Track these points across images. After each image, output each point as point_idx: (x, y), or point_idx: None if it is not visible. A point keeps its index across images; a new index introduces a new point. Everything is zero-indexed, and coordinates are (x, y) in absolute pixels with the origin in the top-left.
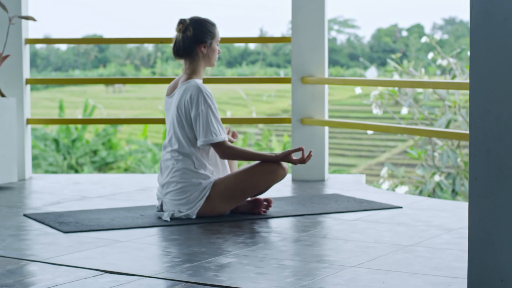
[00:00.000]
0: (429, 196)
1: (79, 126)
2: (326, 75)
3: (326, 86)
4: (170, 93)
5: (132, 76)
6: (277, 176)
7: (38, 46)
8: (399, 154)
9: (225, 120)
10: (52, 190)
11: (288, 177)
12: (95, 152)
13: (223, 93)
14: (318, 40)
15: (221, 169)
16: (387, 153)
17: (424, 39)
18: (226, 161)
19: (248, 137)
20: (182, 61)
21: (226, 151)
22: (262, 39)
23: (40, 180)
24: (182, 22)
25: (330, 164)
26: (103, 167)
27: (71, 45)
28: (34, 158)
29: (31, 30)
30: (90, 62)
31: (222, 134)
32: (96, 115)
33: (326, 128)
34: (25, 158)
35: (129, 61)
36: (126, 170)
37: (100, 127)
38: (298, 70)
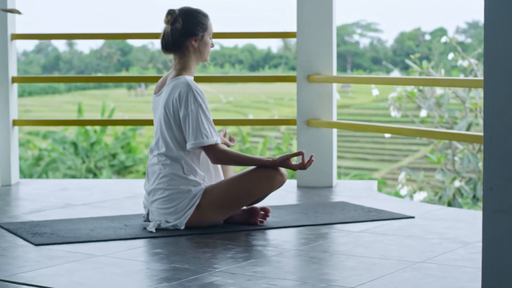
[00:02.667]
0: (449, 202)
1: (98, 129)
2: (335, 73)
3: (334, 85)
4: (158, 91)
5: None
6: (275, 183)
7: (61, 49)
8: (421, 158)
9: (223, 122)
10: (36, 197)
11: (293, 183)
12: (114, 156)
13: (245, 97)
14: (326, 35)
15: (213, 175)
16: (410, 157)
17: (444, 39)
18: (219, 166)
19: (268, 140)
20: (171, 56)
21: (218, 155)
22: (264, 34)
23: (26, 185)
24: (170, 13)
25: (352, 168)
26: (122, 170)
27: (94, 49)
28: (53, 161)
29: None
30: (113, 66)
31: (214, 136)
32: (115, 118)
33: (335, 130)
34: (11, 162)
35: (151, 65)
36: (144, 174)
37: (120, 131)
38: (304, 67)
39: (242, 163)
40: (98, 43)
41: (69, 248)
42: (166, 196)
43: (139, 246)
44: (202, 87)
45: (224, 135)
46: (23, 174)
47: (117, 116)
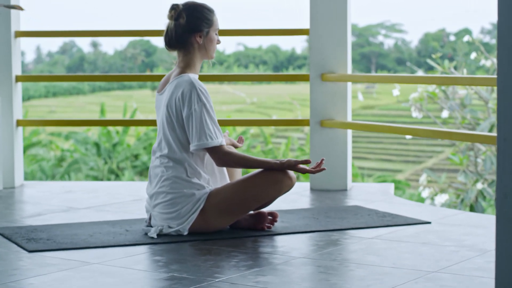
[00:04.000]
0: (471, 205)
1: (120, 130)
2: (349, 72)
3: (349, 84)
4: (161, 89)
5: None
6: (283, 186)
7: (86, 50)
8: (445, 159)
9: (238, 122)
10: (38, 200)
11: (306, 186)
12: (136, 157)
13: (269, 98)
14: (340, 32)
15: (218, 178)
16: (434, 159)
17: (466, 38)
18: (224, 168)
19: (291, 141)
20: (175, 54)
21: (223, 158)
22: (276, 31)
23: (31, 188)
24: (174, 8)
25: (376, 169)
26: (145, 171)
27: (119, 50)
28: (75, 162)
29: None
30: (137, 67)
31: (219, 137)
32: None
33: (349, 131)
34: (14, 164)
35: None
36: None
37: (142, 131)
38: (317, 66)
39: (248, 165)
40: (122, 44)
41: (64, 255)
42: (169, 200)
43: (138, 253)
44: (224, 88)
45: (240, 140)
46: (46, 175)
47: (138, 117)
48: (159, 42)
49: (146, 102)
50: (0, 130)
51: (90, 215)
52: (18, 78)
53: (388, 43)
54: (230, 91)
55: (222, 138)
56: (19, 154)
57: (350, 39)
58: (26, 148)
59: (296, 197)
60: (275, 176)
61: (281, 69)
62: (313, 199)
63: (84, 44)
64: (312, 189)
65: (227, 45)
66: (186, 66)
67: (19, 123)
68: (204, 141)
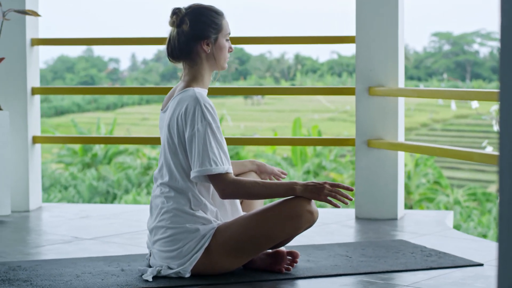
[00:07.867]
0: None
1: None
2: (402, 85)
3: (401, 99)
4: (164, 106)
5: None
6: (302, 222)
7: None
8: None
9: (272, 141)
10: (46, 227)
11: (351, 213)
12: None
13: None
14: (391, 40)
15: (229, 210)
16: None
17: None
18: (237, 200)
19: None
20: (181, 65)
21: (228, 187)
22: (317, 39)
23: (46, 211)
24: (175, 12)
25: (468, 180)
26: None
27: None
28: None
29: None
30: (231, 75)
31: (225, 164)
32: (224, 127)
33: (401, 153)
34: (29, 185)
35: (269, 74)
36: None
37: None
38: (364, 78)
39: (261, 195)
40: None
41: None
42: (169, 236)
43: None
44: (317, 96)
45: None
46: (132, 183)
47: (224, 125)
48: (252, 49)
49: (238, 110)
50: (11, 148)
51: (92, 247)
52: (34, 91)
53: (484, 51)
54: (321, 99)
55: (228, 165)
56: (35, 174)
57: (402, 48)
58: (113, 155)
59: (336, 227)
60: (292, 209)
61: None
62: (356, 230)
63: None
64: (358, 218)
65: (320, 53)
66: (192, 79)
67: (35, 139)
68: (207, 166)
